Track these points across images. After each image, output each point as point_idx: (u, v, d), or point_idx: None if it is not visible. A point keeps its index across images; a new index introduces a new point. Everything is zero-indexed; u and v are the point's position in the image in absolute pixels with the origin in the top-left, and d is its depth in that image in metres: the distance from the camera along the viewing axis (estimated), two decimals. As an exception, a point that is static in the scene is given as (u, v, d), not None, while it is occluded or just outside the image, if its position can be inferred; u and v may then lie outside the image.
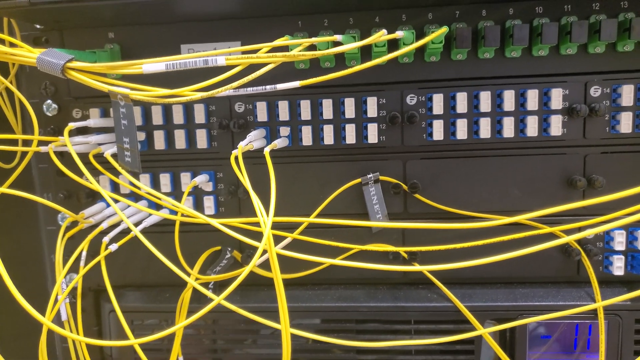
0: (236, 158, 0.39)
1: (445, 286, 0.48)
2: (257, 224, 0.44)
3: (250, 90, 0.36)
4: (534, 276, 0.49)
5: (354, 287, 0.50)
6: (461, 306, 0.46)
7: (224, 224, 0.36)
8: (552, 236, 0.46)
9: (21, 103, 0.52)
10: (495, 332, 0.46)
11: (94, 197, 0.51)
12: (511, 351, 0.47)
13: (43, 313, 0.64)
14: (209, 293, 0.37)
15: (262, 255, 0.35)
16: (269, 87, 0.36)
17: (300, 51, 0.36)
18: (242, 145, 0.40)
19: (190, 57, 0.34)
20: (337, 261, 0.35)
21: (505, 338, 0.47)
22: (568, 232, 0.46)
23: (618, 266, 0.47)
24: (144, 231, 0.50)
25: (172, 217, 0.43)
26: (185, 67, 0.34)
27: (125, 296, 0.52)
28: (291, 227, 0.47)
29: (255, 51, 0.35)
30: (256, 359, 0.50)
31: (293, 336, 0.49)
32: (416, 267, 0.39)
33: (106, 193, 0.38)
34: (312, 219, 0.44)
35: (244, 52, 0.35)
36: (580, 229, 0.46)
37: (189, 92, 0.34)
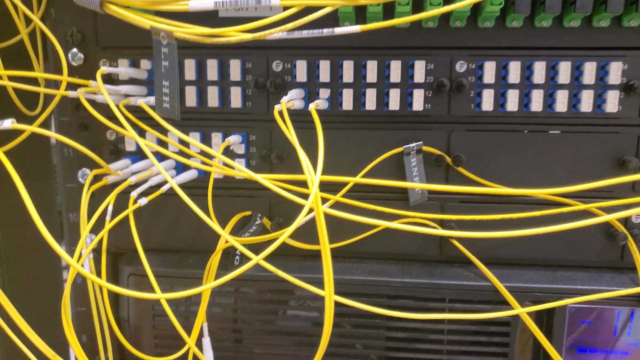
0: (280, 112, 0.37)
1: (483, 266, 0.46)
2: (300, 185, 0.42)
3: (305, 33, 0.33)
4: (576, 259, 0.47)
5: (386, 262, 0.48)
6: (499, 285, 0.44)
7: (266, 178, 0.34)
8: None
9: (44, 48, 0.49)
10: (533, 313, 0.44)
11: (117, 154, 0.48)
12: (548, 335, 0.45)
13: (58, 278, 0.62)
14: (248, 252, 0.34)
15: (308, 213, 0.32)
16: (326, 31, 0.34)
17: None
18: (286, 100, 0.38)
19: (242, -4, 0.32)
20: (390, 224, 0.33)
21: (543, 321, 0.45)
22: (608, 212, 0.44)
23: (665, 253, 0.45)
24: (168, 193, 0.48)
25: (208, 168, 0.40)
26: (236, 6, 0.32)
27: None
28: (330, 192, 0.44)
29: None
30: (281, 330, 0.48)
31: (311, 315, 0.47)
32: (455, 233, 0.36)
33: (143, 142, 0.35)
34: (358, 179, 0.42)
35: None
36: (618, 209, 0.44)
37: (237, 33, 0.32)
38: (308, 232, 0.46)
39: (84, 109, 0.48)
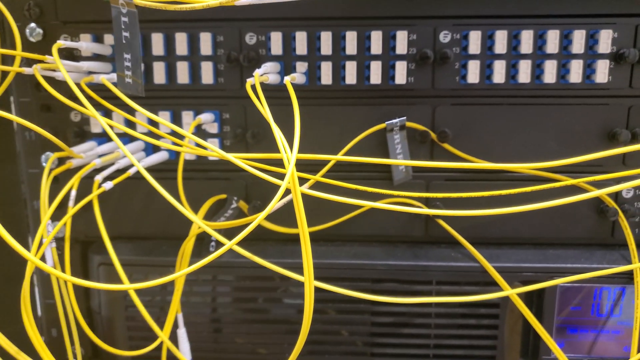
0: (253, 87, 0.34)
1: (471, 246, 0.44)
2: (277, 163, 0.39)
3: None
4: (566, 237, 0.45)
5: (370, 245, 0.46)
6: (488, 266, 0.43)
7: (239, 158, 0.31)
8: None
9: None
10: (523, 294, 0.43)
11: (83, 136, 0.45)
12: (538, 315, 0.43)
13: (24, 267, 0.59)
14: (221, 237, 0.32)
15: (284, 195, 0.30)
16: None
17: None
18: (259, 74, 0.35)
19: (207, -43, 0.29)
20: (374, 204, 0.30)
21: (532, 301, 0.44)
22: (598, 187, 0.42)
23: (656, 228, 0.43)
24: (136, 177, 0.45)
25: (177, 148, 0.38)
26: (201, -31, 0.29)
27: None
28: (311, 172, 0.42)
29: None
30: (261, 318, 0.46)
31: (295, 301, 0.45)
32: (441, 212, 0.34)
33: (105, 121, 0.32)
34: (340, 156, 0.39)
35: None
36: (608, 183, 0.43)
37: (205, -1, 0.29)
38: (289, 214, 0.44)
39: (45, 89, 0.45)
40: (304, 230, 0.30)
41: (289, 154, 0.31)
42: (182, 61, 0.43)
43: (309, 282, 0.31)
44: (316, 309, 0.45)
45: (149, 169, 0.43)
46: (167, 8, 0.29)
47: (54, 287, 0.39)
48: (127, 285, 0.33)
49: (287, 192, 0.31)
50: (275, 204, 0.30)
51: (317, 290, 0.37)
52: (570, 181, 0.42)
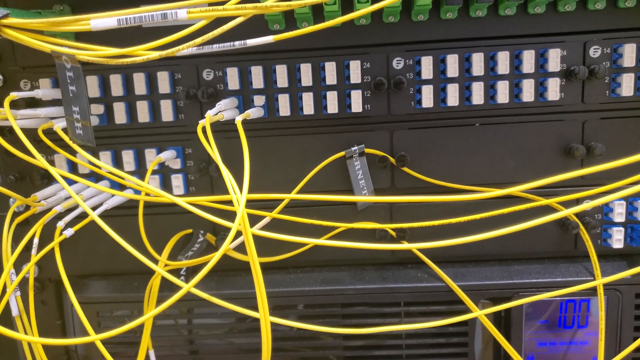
0: (204, 129, 0.35)
1: (437, 265, 0.45)
2: (231, 203, 0.40)
3: (216, 47, 0.31)
4: (530, 252, 0.46)
5: (338, 269, 0.47)
6: (454, 286, 0.43)
7: (192, 203, 0.32)
8: (548, 209, 0.43)
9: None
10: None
11: (49, 179, 0.46)
12: (506, 330, 0.44)
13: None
14: (177, 280, 0.33)
15: (236, 236, 0.30)
16: (237, 43, 0.32)
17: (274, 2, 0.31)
18: (211, 115, 0.36)
19: (145, 11, 0.29)
20: (320, 241, 0.31)
21: (500, 317, 0.45)
22: (566, 205, 0.43)
23: (617, 239, 0.44)
24: (106, 214, 0.45)
25: (135, 196, 0.38)
26: (141, 23, 0.30)
27: (90, 286, 0.47)
28: (269, 207, 0.43)
29: (222, 3, 0.31)
30: (236, 349, 0.47)
31: (275, 324, 0.46)
32: (405, 245, 0.35)
33: (56, 171, 0.33)
34: (293, 195, 0.40)
35: (210, 4, 0.30)
36: (578, 201, 0.43)
37: (144, 52, 0.30)
38: (262, 242, 0.44)
39: (9, 133, 0.46)
40: (256, 270, 0.31)
41: (239, 196, 0.31)
42: (141, 100, 0.43)
43: (265, 318, 0.31)
44: (291, 335, 0.46)
45: (119, 206, 0.44)
46: (109, 62, 0.30)
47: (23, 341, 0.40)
48: (93, 337, 0.33)
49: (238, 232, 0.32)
50: (227, 246, 0.31)
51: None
52: (539, 202, 0.42)
